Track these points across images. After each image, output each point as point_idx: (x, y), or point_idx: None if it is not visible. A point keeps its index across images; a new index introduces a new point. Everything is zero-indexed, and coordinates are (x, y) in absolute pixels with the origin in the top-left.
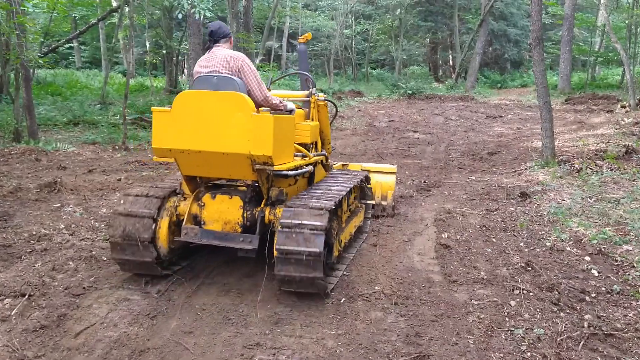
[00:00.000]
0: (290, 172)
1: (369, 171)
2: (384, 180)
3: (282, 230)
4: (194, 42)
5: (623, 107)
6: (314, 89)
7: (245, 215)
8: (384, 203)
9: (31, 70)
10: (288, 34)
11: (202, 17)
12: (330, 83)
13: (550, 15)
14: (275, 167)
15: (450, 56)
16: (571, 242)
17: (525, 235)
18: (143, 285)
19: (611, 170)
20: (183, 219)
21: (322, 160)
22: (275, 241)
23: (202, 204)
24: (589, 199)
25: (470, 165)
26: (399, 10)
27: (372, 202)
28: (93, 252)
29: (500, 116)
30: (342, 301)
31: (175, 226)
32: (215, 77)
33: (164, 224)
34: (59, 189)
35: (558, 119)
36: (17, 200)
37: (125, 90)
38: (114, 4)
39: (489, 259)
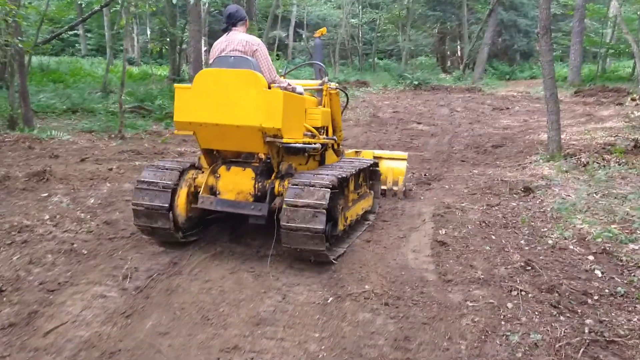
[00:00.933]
0: (298, 145)
1: (380, 157)
2: (396, 166)
3: (286, 209)
4: (194, 29)
5: (633, 99)
6: (327, 78)
7: (256, 186)
8: (395, 188)
9: (27, 57)
10: (295, 23)
11: (205, 3)
12: (335, 73)
13: (561, 6)
14: (284, 140)
15: (459, 47)
16: (574, 240)
17: (527, 232)
18: (121, 280)
19: (619, 164)
20: (200, 190)
21: (333, 146)
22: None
23: (218, 176)
24: (594, 195)
25: (473, 158)
26: None
27: (384, 187)
28: (74, 245)
29: (507, 108)
30: (329, 301)
31: (193, 196)
32: (232, 57)
33: (182, 194)
34: (48, 178)
35: (566, 112)
36: (4, 190)
37: (122, 78)
38: None
39: (487, 257)
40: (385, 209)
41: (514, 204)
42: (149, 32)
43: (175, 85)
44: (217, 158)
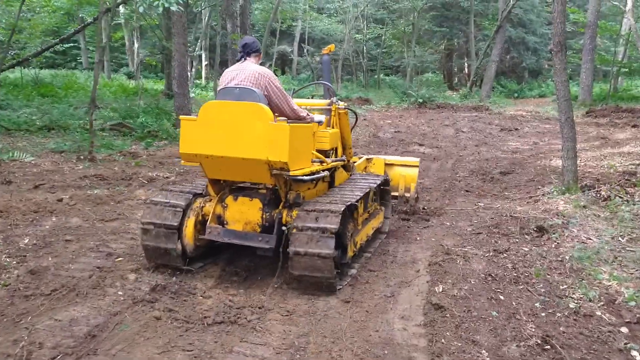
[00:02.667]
0: (305, 177)
1: (392, 164)
2: (407, 173)
3: (295, 234)
4: (179, 42)
5: None
6: (335, 97)
7: (264, 216)
8: (407, 195)
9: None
10: (299, 38)
11: (203, 14)
12: (338, 89)
13: (572, 23)
14: (292, 173)
15: (466, 63)
16: (602, 304)
17: (543, 290)
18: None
19: None
20: (208, 219)
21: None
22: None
23: (225, 205)
24: (620, 239)
25: (479, 187)
26: (412, 15)
27: (396, 193)
28: None
29: (516, 129)
30: None
31: (201, 225)
32: (238, 89)
33: (190, 223)
34: None
35: (579, 134)
36: None
37: (92, 94)
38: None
39: (493, 327)
40: (374, 254)
41: (526, 249)
42: (136, 46)
43: (181, 117)
44: (223, 186)
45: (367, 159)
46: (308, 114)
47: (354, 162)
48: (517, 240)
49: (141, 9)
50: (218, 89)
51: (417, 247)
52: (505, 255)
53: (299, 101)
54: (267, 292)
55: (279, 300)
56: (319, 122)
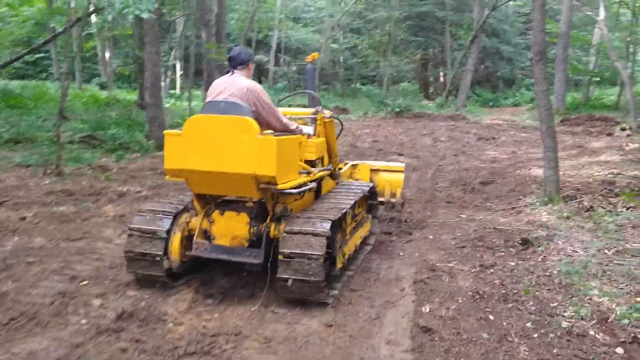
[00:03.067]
0: (293, 191)
1: (378, 170)
2: (393, 178)
3: (283, 260)
4: (151, 51)
5: (623, 129)
6: (320, 106)
7: (251, 230)
8: (393, 200)
9: None
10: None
11: (175, 23)
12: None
13: (546, 33)
14: (279, 186)
15: (441, 73)
16: (594, 322)
17: (533, 308)
18: None
19: (627, 209)
20: (194, 234)
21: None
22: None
23: (212, 220)
24: (606, 251)
25: (460, 198)
26: (388, 25)
27: (382, 198)
28: None
29: (494, 138)
30: None
31: (187, 240)
32: (223, 103)
33: (176, 239)
34: None
35: None
36: None
37: (60, 105)
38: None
39: (485, 351)
40: (356, 271)
41: (512, 264)
42: (107, 55)
43: (165, 132)
44: (209, 200)
45: (353, 165)
46: (297, 127)
47: (340, 170)
48: (503, 253)
49: (110, 17)
50: (205, 101)
51: (400, 263)
52: (491, 270)
53: (283, 110)
54: (244, 317)
55: (257, 325)
56: (309, 135)
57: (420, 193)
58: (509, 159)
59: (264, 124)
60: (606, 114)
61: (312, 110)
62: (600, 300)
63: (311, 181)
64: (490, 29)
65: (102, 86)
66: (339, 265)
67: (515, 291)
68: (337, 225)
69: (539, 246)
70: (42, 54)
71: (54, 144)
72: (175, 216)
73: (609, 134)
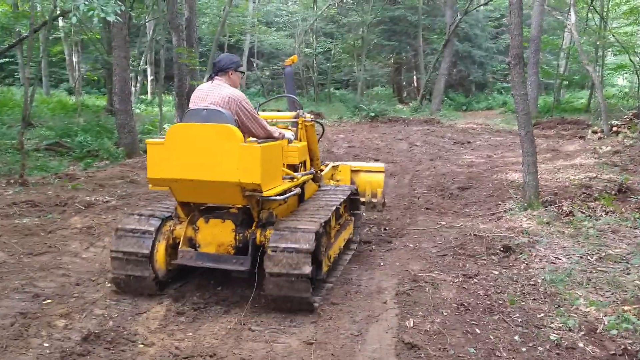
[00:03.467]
0: (278, 197)
1: (358, 170)
2: (374, 179)
3: (271, 258)
4: (120, 55)
5: (594, 132)
6: (301, 110)
7: (237, 237)
8: (374, 200)
9: None
10: (248, 52)
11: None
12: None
13: None
14: (264, 193)
15: (415, 77)
16: (583, 333)
17: (519, 320)
18: None
19: (606, 214)
20: (179, 242)
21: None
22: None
23: (197, 228)
24: (589, 258)
25: (438, 204)
26: (361, 29)
27: (363, 199)
28: None
29: (469, 142)
30: None
31: (172, 249)
32: (205, 111)
33: (161, 248)
34: None
35: None
36: None
37: (23, 112)
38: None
39: None
40: (336, 283)
41: (496, 272)
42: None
43: (147, 140)
44: (193, 208)
45: (333, 166)
46: (280, 132)
47: (322, 172)
48: (485, 262)
49: (74, 20)
50: (187, 109)
51: (381, 274)
52: (475, 280)
53: (264, 114)
54: (219, 335)
55: (233, 344)
56: (290, 140)
57: (398, 199)
58: (485, 163)
59: (246, 132)
60: (577, 117)
61: (293, 114)
62: (587, 310)
63: (295, 186)
64: (462, 34)
65: (70, 92)
66: (324, 268)
67: (500, 302)
68: (322, 230)
69: (521, 253)
70: (7, 59)
71: (18, 152)
72: (156, 233)
73: (581, 137)
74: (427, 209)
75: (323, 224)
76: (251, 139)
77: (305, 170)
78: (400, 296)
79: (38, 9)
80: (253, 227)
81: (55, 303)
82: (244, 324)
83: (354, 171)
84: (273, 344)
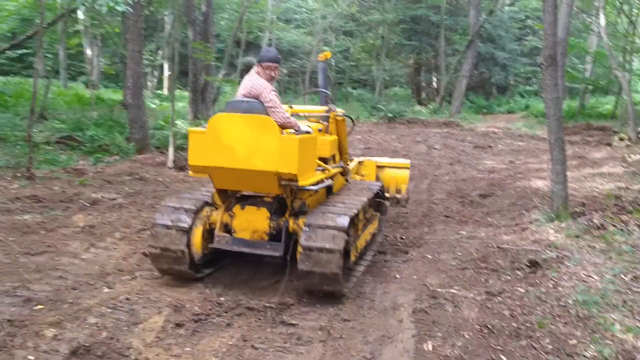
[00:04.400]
0: (313, 187)
1: (384, 166)
2: (399, 174)
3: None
4: (133, 49)
5: (621, 139)
6: (333, 105)
7: (271, 224)
8: (398, 196)
9: None
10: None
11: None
12: (304, 102)
13: (541, 39)
14: (300, 183)
15: (434, 78)
16: None
17: (550, 346)
18: None
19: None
20: (215, 228)
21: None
22: (298, 257)
23: (233, 214)
24: (623, 277)
25: (459, 212)
26: (381, 28)
27: (387, 194)
28: None
29: (490, 146)
30: None
31: (208, 233)
32: (245, 102)
33: (198, 231)
34: None
35: None
36: None
37: (32, 104)
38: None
39: None
40: (348, 296)
41: (522, 290)
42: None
43: (189, 129)
44: (230, 196)
45: (359, 161)
46: (296, 123)
47: (349, 172)
48: (509, 277)
49: (82, 9)
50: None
51: (397, 288)
52: (499, 298)
53: (297, 107)
54: (219, 352)
55: None
56: (306, 132)
57: (416, 205)
58: (507, 169)
59: None
60: (603, 123)
61: (324, 108)
62: (624, 337)
63: (327, 178)
64: (485, 35)
65: (87, 85)
66: (352, 258)
67: (528, 324)
68: (352, 221)
69: (549, 269)
70: (26, 50)
71: (27, 145)
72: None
73: (608, 144)
74: (446, 216)
75: (352, 218)
76: (290, 130)
77: (335, 164)
78: (417, 314)
79: (59, 0)
80: (286, 216)
81: (47, 309)
82: (246, 340)
83: (379, 167)
84: None
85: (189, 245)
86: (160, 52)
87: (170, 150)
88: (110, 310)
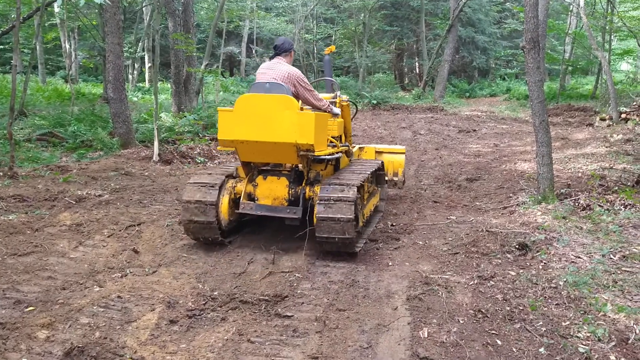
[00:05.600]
0: (327, 157)
1: (382, 151)
2: (396, 159)
3: (320, 203)
4: (113, 42)
5: (602, 119)
6: (339, 92)
7: (290, 192)
8: (395, 179)
9: None
10: (247, 39)
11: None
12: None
13: (521, 22)
14: (316, 153)
15: (417, 63)
16: (613, 344)
17: (544, 328)
18: None
19: (625, 207)
20: (240, 197)
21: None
22: (315, 211)
23: (256, 184)
24: (612, 256)
25: (447, 197)
26: (362, 14)
27: (386, 177)
28: None
29: (474, 130)
30: None
31: (233, 202)
32: (268, 84)
33: (225, 200)
34: None
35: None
36: None
37: (11, 101)
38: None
39: None
40: (342, 286)
41: (513, 273)
42: (68, 46)
43: (219, 108)
44: (252, 168)
45: (360, 147)
46: (329, 105)
47: (352, 153)
48: (500, 261)
49: (59, 2)
50: (254, 83)
51: (390, 276)
52: (491, 282)
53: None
54: (215, 347)
55: (231, 357)
56: (337, 115)
57: (405, 191)
58: (492, 153)
59: (303, 102)
60: (583, 103)
61: (331, 95)
62: (616, 317)
63: (337, 152)
64: (465, 19)
65: (67, 80)
66: (360, 223)
67: (520, 307)
68: (358, 191)
69: (538, 251)
70: (3, 46)
71: (8, 143)
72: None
73: (589, 125)
74: (435, 202)
75: (360, 183)
76: (306, 107)
77: (342, 144)
78: (411, 301)
79: None
80: (303, 184)
81: (38, 310)
82: (242, 335)
83: (378, 152)
84: (274, 357)
85: (217, 215)
86: (140, 44)
87: (155, 144)
88: (102, 310)
